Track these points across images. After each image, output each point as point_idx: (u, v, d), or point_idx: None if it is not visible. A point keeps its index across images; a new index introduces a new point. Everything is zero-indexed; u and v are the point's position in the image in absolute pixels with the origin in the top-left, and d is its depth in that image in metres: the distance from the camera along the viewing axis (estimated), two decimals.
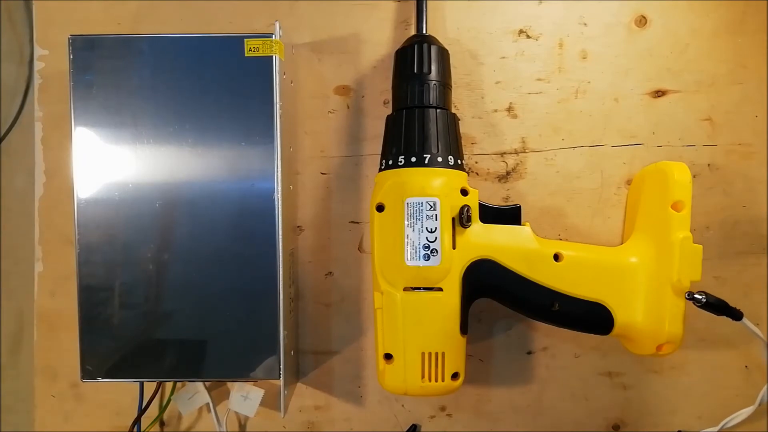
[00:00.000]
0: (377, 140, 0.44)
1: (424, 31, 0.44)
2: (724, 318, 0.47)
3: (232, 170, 0.41)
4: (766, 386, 0.46)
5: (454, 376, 0.41)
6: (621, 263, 0.43)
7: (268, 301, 0.41)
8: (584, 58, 0.47)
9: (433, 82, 0.42)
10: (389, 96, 0.44)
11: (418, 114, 0.41)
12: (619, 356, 0.48)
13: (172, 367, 0.42)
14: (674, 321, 0.41)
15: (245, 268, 0.41)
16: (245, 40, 0.41)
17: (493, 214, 0.42)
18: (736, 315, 0.41)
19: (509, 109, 0.47)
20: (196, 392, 0.47)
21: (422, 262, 0.40)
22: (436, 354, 0.40)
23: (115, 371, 0.42)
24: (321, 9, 0.47)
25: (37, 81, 0.48)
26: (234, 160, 0.41)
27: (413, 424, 0.48)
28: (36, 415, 0.49)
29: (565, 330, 0.44)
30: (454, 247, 0.40)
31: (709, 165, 0.47)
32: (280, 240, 0.41)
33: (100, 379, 0.42)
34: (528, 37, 0.47)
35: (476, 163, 0.47)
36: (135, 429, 0.46)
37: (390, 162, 0.41)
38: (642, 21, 0.47)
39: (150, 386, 0.46)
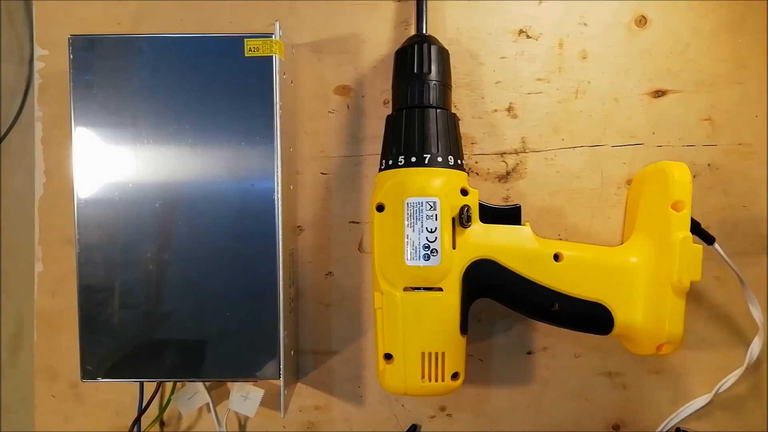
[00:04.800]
0: (377, 140, 0.44)
1: (424, 31, 0.44)
2: (724, 318, 0.47)
3: (232, 170, 0.41)
4: (752, 344, 0.46)
5: (454, 376, 0.41)
6: (621, 263, 0.43)
7: (268, 301, 0.41)
8: (584, 58, 0.47)
9: (433, 82, 0.42)
10: (389, 96, 0.44)
11: (418, 114, 0.41)
12: (619, 356, 0.48)
13: (172, 367, 0.42)
14: (674, 321, 0.41)
15: (245, 268, 0.41)
16: (245, 40, 0.41)
17: (493, 214, 0.42)
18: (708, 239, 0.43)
19: (509, 109, 0.47)
20: (196, 392, 0.47)
21: (422, 262, 0.40)
22: (436, 354, 0.40)
23: (115, 371, 0.42)
24: (321, 9, 0.47)
25: (37, 81, 0.48)
26: (234, 160, 0.41)
27: (413, 424, 0.48)
28: (36, 415, 0.49)
29: (565, 330, 0.44)
30: (454, 247, 0.40)
31: (709, 165, 0.47)
32: (280, 240, 0.41)
33: (100, 379, 0.42)
34: (528, 37, 0.47)
35: (476, 163, 0.47)
36: (135, 429, 0.46)
37: (390, 162, 0.41)
38: (642, 21, 0.47)
39: (150, 386, 0.46)
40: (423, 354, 0.40)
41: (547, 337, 0.48)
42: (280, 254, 0.41)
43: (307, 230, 0.48)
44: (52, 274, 0.48)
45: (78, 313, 0.42)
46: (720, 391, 0.46)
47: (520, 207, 0.42)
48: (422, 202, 0.40)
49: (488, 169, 0.47)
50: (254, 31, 0.46)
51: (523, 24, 0.47)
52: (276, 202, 0.41)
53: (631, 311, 0.42)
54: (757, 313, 0.44)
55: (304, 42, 0.47)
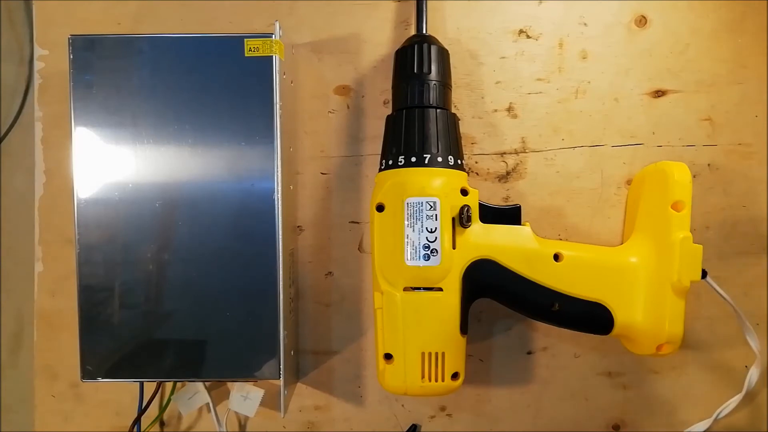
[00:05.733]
0: (377, 140, 0.44)
1: (424, 31, 0.44)
2: (724, 318, 0.47)
3: (232, 170, 0.41)
4: (750, 372, 0.46)
5: (454, 376, 0.41)
6: (621, 263, 0.43)
7: (268, 301, 0.41)
8: (584, 58, 0.47)
9: (433, 82, 0.42)
10: (389, 96, 0.44)
11: (418, 114, 0.41)
12: (619, 356, 0.48)
13: (172, 367, 0.42)
14: (674, 321, 0.41)
15: (245, 268, 0.41)
16: (245, 40, 0.41)
17: (493, 214, 0.42)
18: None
19: (509, 109, 0.47)
20: (196, 392, 0.47)
21: (422, 262, 0.40)
22: (436, 354, 0.40)
23: (115, 371, 0.42)
24: (321, 9, 0.47)
25: (37, 81, 0.48)
26: (234, 160, 0.41)
27: (413, 424, 0.48)
28: (36, 415, 0.49)
29: (565, 330, 0.44)
30: (454, 247, 0.40)
31: (709, 165, 0.47)
32: (280, 240, 0.41)
33: (100, 379, 0.42)
34: (528, 37, 0.47)
35: (476, 163, 0.47)
36: (135, 429, 0.46)
37: (390, 162, 0.41)
38: (642, 21, 0.47)
39: (150, 386, 0.46)
40: (423, 354, 0.40)
41: (547, 337, 0.48)
42: (280, 254, 0.41)
43: (307, 230, 0.48)
44: (52, 274, 0.48)
45: (78, 313, 0.42)
46: (719, 417, 0.47)
47: (520, 207, 0.42)
48: (422, 202, 0.40)
49: (488, 169, 0.47)
50: (254, 31, 0.46)
51: (523, 24, 0.47)
52: (276, 202, 0.41)
53: (631, 311, 0.42)
54: (754, 343, 0.44)
55: (304, 42, 0.47)
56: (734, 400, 0.46)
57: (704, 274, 0.41)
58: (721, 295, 0.43)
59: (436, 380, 0.40)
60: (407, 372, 0.40)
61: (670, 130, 0.47)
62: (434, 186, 0.40)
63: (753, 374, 0.45)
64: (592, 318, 0.42)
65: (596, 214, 0.47)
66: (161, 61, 0.41)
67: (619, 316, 0.42)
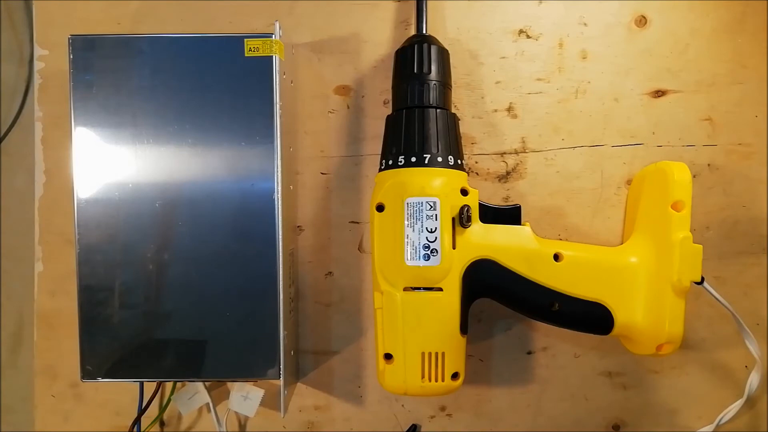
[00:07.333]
0: (377, 140, 0.44)
1: (424, 31, 0.44)
2: (724, 318, 0.47)
3: (232, 170, 0.41)
4: (750, 377, 0.46)
5: (454, 376, 0.41)
6: (621, 263, 0.43)
7: (268, 301, 0.41)
8: (584, 58, 0.47)
9: (433, 82, 0.42)
10: (389, 96, 0.44)
11: (418, 114, 0.41)
12: (619, 356, 0.48)
13: (172, 367, 0.42)
14: (674, 321, 0.41)
15: (245, 268, 0.41)
16: (245, 40, 0.41)
17: (493, 214, 0.42)
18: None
19: (509, 109, 0.47)
20: (196, 392, 0.47)
21: (422, 262, 0.40)
22: (436, 354, 0.40)
23: (115, 371, 0.42)
24: (321, 9, 0.47)
25: (37, 81, 0.48)
26: (234, 160, 0.41)
27: (413, 424, 0.48)
28: (36, 415, 0.49)
29: (565, 330, 0.44)
30: (454, 247, 0.40)
31: (709, 165, 0.47)
32: (280, 240, 0.41)
33: (100, 379, 0.42)
34: (528, 37, 0.47)
35: (476, 163, 0.47)
36: (135, 429, 0.46)
37: (390, 162, 0.41)
38: (642, 21, 0.47)
39: (150, 386, 0.46)
40: (423, 354, 0.40)
41: (547, 337, 0.48)
42: (280, 254, 0.41)
43: (307, 230, 0.48)
44: (52, 274, 0.48)
45: (78, 313, 0.41)
46: (722, 422, 0.47)
47: (520, 207, 0.42)
48: (422, 202, 0.40)
49: (488, 169, 0.47)
50: (254, 31, 0.46)
51: (523, 24, 0.47)
52: (276, 202, 0.41)
53: (631, 311, 0.42)
54: (753, 348, 0.44)
55: (304, 42, 0.47)
56: (735, 406, 0.46)
57: (702, 280, 0.41)
58: (719, 300, 0.43)
59: (436, 380, 0.40)
60: (407, 372, 0.40)
61: (670, 130, 0.47)
62: (434, 186, 0.40)
63: (753, 379, 0.45)
64: (592, 318, 0.42)
65: (596, 214, 0.47)
66: (161, 61, 0.41)
67: (619, 316, 0.42)
